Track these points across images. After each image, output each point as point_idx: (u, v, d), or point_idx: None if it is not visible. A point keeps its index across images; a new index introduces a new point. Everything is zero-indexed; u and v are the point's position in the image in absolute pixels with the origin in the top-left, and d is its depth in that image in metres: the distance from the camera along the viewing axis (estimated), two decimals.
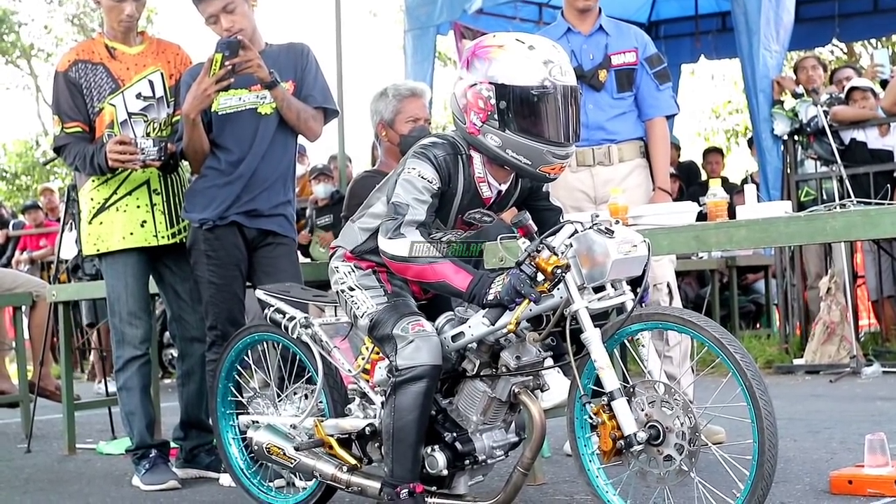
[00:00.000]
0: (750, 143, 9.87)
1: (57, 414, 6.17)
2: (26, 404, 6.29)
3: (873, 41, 15.89)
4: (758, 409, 2.78)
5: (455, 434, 3.20)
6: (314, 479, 3.59)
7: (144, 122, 4.47)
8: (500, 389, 3.17)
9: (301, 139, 4.51)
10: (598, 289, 3.02)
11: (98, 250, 4.53)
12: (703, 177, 10.59)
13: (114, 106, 4.44)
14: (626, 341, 3.13)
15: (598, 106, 4.61)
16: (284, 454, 3.57)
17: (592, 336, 2.96)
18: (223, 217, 4.30)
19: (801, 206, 7.22)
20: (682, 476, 2.89)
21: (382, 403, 3.29)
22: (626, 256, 2.98)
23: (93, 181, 4.51)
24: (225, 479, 4.38)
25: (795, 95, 8.19)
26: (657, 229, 3.61)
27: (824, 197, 7.75)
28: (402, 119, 4.65)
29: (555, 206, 3.51)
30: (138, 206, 4.49)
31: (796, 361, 7.89)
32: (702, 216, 4.46)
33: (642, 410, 2.93)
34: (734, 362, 2.83)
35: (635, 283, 3.05)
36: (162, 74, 4.52)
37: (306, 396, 3.63)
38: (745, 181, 10.20)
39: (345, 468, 3.43)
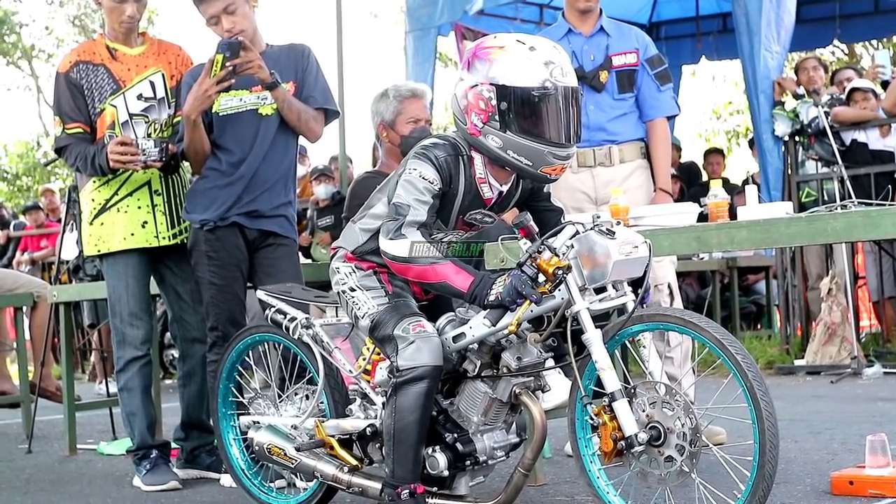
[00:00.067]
0: (751, 143, 9.87)
1: (58, 414, 6.17)
2: (27, 405, 6.29)
3: (874, 42, 15.88)
4: (759, 410, 2.78)
5: (456, 435, 3.20)
6: (315, 480, 3.59)
7: (145, 122, 4.47)
8: (501, 390, 3.17)
9: (302, 140, 4.51)
10: (600, 290, 3.02)
11: (99, 251, 4.53)
12: (704, 178, 10.59)
13: (115, 107, 4.44)
14: (627, 342, 3.13)
15: (599, 107, 4.61)
16: (285, 455, 3.57)
17: (593, 337, 2.96)
18: (224, 218, 4.30)
19: (802, 207, 7.22)
20: (683, 477, 2.89)
21: (383, 404, 3.29)
22: (627, 257, 2.98)
23: (94, 182, 4.52)
24: (226, 480, 4.38)
25: (796, 96, 8.19)
26: (658, 230, 3.61)
27: (825, 198, 7.75)
28: (403, 120, 4.66)
29: (556, 206, 3.51)
30: (139, 207, 4.49)
31: (797, 362, 7.89)
32: (703, 217, 4.46)
33: (643, 411, 2.94)
34: (735, 363, 2.83)
35: (636, 284, 3.05)
36: (163, 75, 4.52)
37: (307, 397, 3.63)
38: (745, 182, 10.19)
39: (346, 469, 3.43)
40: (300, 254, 4.94)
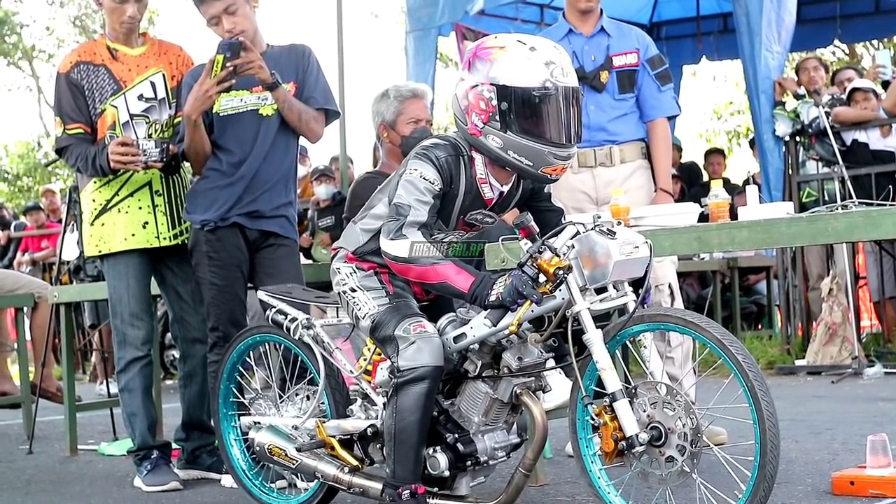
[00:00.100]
0: (751, 144, 9.87)
1: (58, 415, 6.17)
2: (28, 405, 6.30)
3: (875, 42, 15.87)
4: (759, 410, 2.78)
5: (457, 435, 3.20)
6: (316, 481, 3.59)
7: (146, 123, 4.47)
8: (502, 390, 3.17)
9: (302, 140, 4.51)
10: (600, 290, 3.02)
11: (100, 251, 4.53)
12: (705, 178, 10.59)
13: (115, 107, 4.44)
14: (627, 342, 3.13)
15: (600, 107, 4.61)
16: (286, 455, 3.57)
17: (594, 337, 2.96)
18: (225, 218, 4.30)
19: (802, 207, 7.22)
20: (683, 477, 2.89)
21: (384, 404, 3.29)
22: (627, 257, 2.98)
23: (94, 182, 4.52)
24: (227, 480, 4.38)
25: (797, 96, 8.19)
26: (659, 230, 3.61)
27: (826, 198, 7.75)
28: (404, 120, 4.66)
29: (556, 207, 3.51)
30: (140, 208, 4.49)
31: (798, 362, 7.89)
32: (703, 217, 4.46)
33: (644, 411, 2.94)
34: (736, 363, 2.83)
35: (637, 284, 3.05)
36: (164, 76, 4.52)
37: (308, 397, 3.63)
38: (746, 182, 10.19)
39: (346, 469, 3.43)
40: (301, 254, 4.94)
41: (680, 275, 6.54)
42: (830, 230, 3.29)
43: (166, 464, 4.56)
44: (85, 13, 27.17)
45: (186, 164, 4.58)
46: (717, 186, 4.21)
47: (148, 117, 4.48)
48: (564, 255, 2.98)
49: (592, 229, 3.01)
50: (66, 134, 4.47)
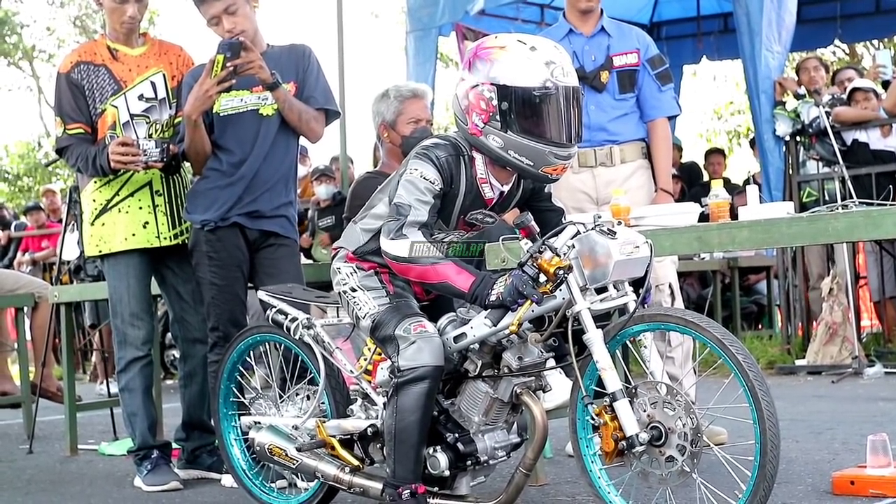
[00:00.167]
0: (752, 143, 9.87)
1: (59, 415, 6.17)
2: (28, 405, 6.30)
3: (875, 42, 15.87)
4: (760, 410, 2.78)
5: (457, 435, 3.20)
6: (316, 480, 3.59)
7: (146, 123, 4.47)
8: (503, 390, 3.17)
9: (303, 140, 4.51)
10: (601, 290, 3.02)
11: (100, 251, 4.53)
12: (705, 178, 10.59)
13: (116, 107, 4.44)
14: (628, 342, 3.13)
15: (600, 107, 4.61)
16: (286, 455, 3.57)
17: (594, 337, 2.96)
18: (225, 218, 4.30)
19: (803, 207, 7.22)
20: (684, 477, 2.89)
21: (384, 404, 3.29)
22: (628, 257, 2.98)
23: (95, 182, 4.52)
24: (227, 480, 4.38)
25: (797, 96, 8.19)
26: (659, 230, 3.61)
27: (826, 198, 7.75)
28: (404, 120, 4.66)
29: (557, 207, 3.51)
30: (140, 208, 4.49)
31: (798, 362, 7.89)
32: (704, 217, 4.46)
33: (644, 411, 2.94)
34: (736, 363, 2.83)
35: (637, 284, 3.05)
36: (164, 76, 4.52)
37: (308, 397, 3.63)
38: (746, 182, 10.19)
39: (347, 469, 3.44)
40: (301, 254, 4.94)
41: (680, 274, 6.54)
42: (831, 230, 3.29)
43: (166, 464, 4.56)
44: (85, 13, 27.17)
45: (187, 164, 4.58)
46: (717, 186, 4.21)
47: (148, 117, 4.48)
48: (565, 254, 2.98)
49: (593, 229, 3.01)
50: (67, 134, 4.47)
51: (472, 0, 8.95)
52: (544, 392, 3.25)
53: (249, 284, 4.43)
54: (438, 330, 3.20)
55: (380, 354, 3.39)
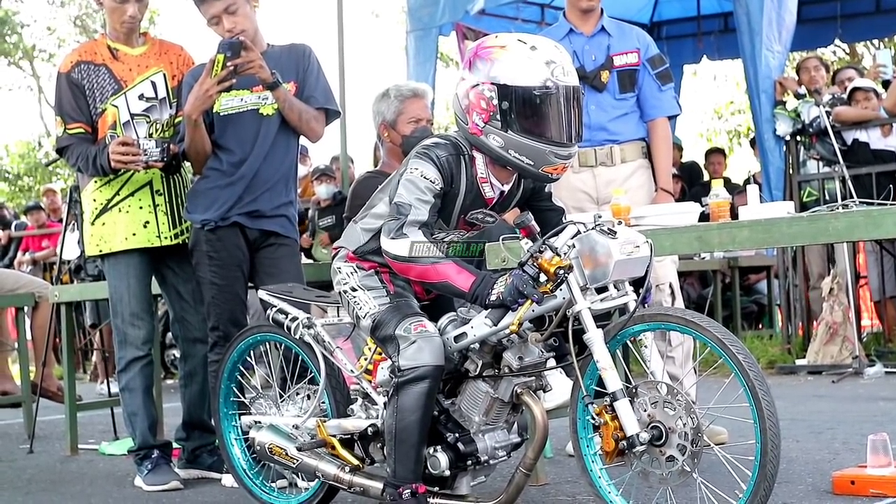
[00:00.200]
0: (752, 143, 9.87)
1: (59, 414, 6.18)
2: (29, 405, 6.30)
3: (875, 42, 15.86)
4: (760, 410, 2.78)
5: (457, 434, 3.20)
6: (316, 480, 3.59)
7: (147, 123, 4.47)
8: (503, 390, 3.17)
9: (303, 140, 4.51)
10: (601, 289, 3.02)
11: (101, 251, 4.53)
12: (706, 177, 10.59)
13: (116, 107, 4.44)
14: (628, 342, 3.13)
15: (601, 107, 4.61)
16: (287, 454, 3.57)
17: (595, 337, 2.96)
18: (225, 218, 4.30)
19: (803, 207, 7.22)
20: (684, 476, 2.89)
21: (385, 404, 3.29)
22: (628, 257, 2.98)
23: (95, 182, 4.52)
24: (227, 480, 4.38)
25: (798, 96, 8.19)
26: (659, 230, 3.61)
27: (827, 197, 7.75)
28: (405, 120, 4.66)
29: (557, 206, 3.51)
30: (141, 207, 4.49)
31: (798, 362, 7.89)
32: (704, 217, 4.46)
33: (645, 411, 2.94)
34: (736, 363, 2.83)
35: (638, 283, 3.05)
36: (164, 75, 4.52)
37: (309, 397, 3.63)
38: (747, 182, 10.19)
39: (347, 469, 3.44)
40: (302, 254, 4.94)
41: (680, 274, 6.55)
42: (831, 230, 3.29)
43: (167, 463, 4.56)
44: (86, 13, 27.18)
45: (187, 164, 4.58)
46: (717, 186, 4.21)
47: (148, 117, 4.48)
48: (565, 254, 2.98)
49: (593, 229, 3.01)
50: (67, 133, 4.47)
51: (473, 0, 8.95)
52: (545, 392, 3.25)
53: (249, 284, 4.43)
54: (439, 329, 3.20)
55: (380, 354, 3.39)
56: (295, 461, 3.55)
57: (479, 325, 3.12)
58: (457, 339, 3.17)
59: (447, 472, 3.20)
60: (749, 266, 10.03)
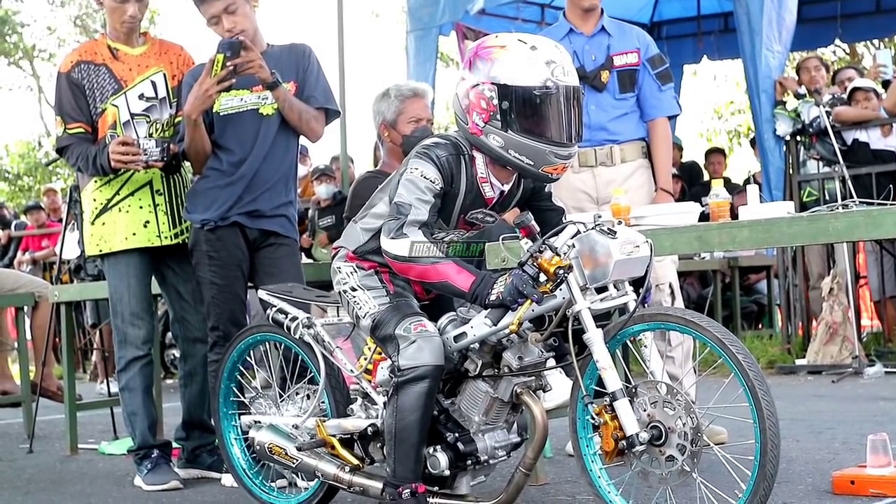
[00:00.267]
0: (752, 143, 9.87)
1: (59, 414, 6.17)
2: (28, 404, 6.30)
3: (876, 42, 15.86)
4: (760, 410, 2.78)
5: (457, 434, 3.20)
6: (316, 480, 3.59)
7: (147, 122, 4.47)
8: (503, 390, 3.17)
9: (303, 140, 4.51)
10: (601, 289, 3.02)
11: (101, 251, 4.53)
12: (706, 177, 10.59)
13: (116, 107, 4.44)
14: (628, 342, 3.13)
15: (601, 107, 4.61)
16: (286, 454, 3.57)
17: (595, 336, 2.96)
18: (225, 218, 4.30)
19: (803, 207, 7.22)
20: (684, 476, 2.89)
21: (385, 403, 3.29)
22: (628, 257, 2.98)
23: (95, 182, 4.52)
24: (227, 480, 4.38)
25: (798, 96, 8.19)
26: (659, 230, 3.61)
27: (827, 197, 7.75)
28: (405, 119, 4.66)
29: (557, 206, 3.51)
30: (141, 207, 4.49)
31: (798, 362, 7.89)
32: (704, 217, 4.46)
33: (644, 411, 2.94)
34: (736, 363, 2.83)
35: (637, 283, 3.05)
36: (164, 75, 4.52)
37: (308, 397, 3.63)
38: (747, 182, 10.19)
39: (347, 468, 3.43)
40: (301, 253, 4.94)
41: (680, 274, 6.55)
42: (831, 229, 3.29)
43: (167, 463, 4.56)
44: (86, 13, 27.19)
45: (187, 164, 4.58)
46: (717, 186, 4.21)
47: (149, 117, 4.48)
48: (565, 254, 2.98)
49: (593, 229, 3.01)
50: (67, 133, 4.47)
51: (473, 0, 8.95)
52: (544, 392, 3.25)
53: (249, 284, 4.43)
54: (439, 329, 3.20)
55: (380, 354, 3.39)
56: (295, 461, 3.55)
57: (478, 325, 3.12)
58: (457, 338, 3.17)
59: (447, 472, 3.20)
60: (749, 266, 10.03)
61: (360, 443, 3.42)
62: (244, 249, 4.35)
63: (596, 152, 4.62)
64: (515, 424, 3.31)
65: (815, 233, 3.35)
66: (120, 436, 5.88)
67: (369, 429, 3.36)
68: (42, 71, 27.66)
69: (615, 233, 2.99)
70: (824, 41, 11.99)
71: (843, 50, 17.86)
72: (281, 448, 3.59)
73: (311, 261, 8.17)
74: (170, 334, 8.53)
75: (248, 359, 3.85)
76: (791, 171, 8.21)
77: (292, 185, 4.47)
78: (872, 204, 3.67)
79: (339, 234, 3.64)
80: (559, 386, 3.46)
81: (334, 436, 3.45)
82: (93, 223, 4.53)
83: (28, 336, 6.95)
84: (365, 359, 3.47)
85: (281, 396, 3.72)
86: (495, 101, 3.11)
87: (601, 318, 3.04)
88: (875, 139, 7.90)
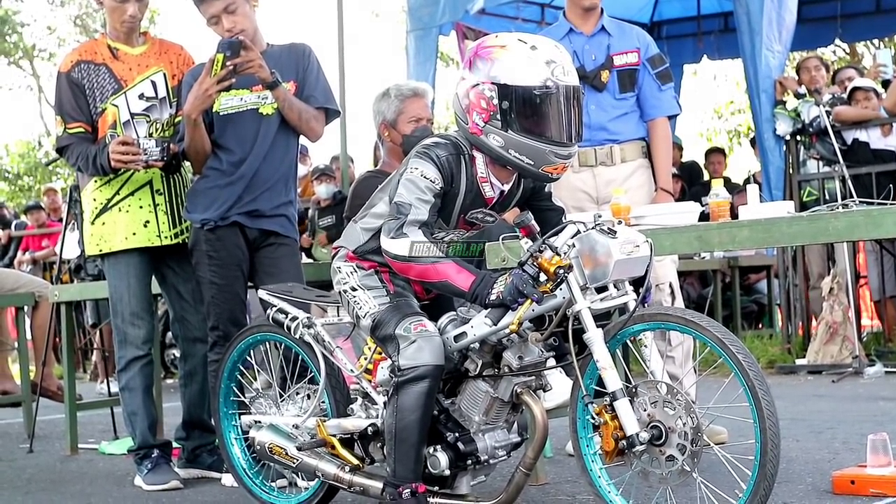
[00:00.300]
0: (752, 143, 9.87)
1: (59, 414, 6.17)
2: (28, 404, 6.30)
3: (876, 41, 15.86)
4: (760, 410, 2.78)
5: (457, 434, 3.20)
6: (316, 479, 3.59)
7: (147, 122, 4.47)
8: (503, 389, 3.17)
9: (303, 139, 4.51)
10: (601, 289, 3.02)
11: (101, 250, 4.53)
12: (706, 177, 10.59)
13: (116, 106, 4.44)
14: (628, 341, 3.13)
15: (601, 106, 4.61)
16: (287, 454, 3.57)
17: (595, 336, 2.96)
18: (225, 217, 4.30)
19: (803, 207, 7.21)
20: (684, 476, 2.89)
21: (385, 403, 3.29)
22: (628, 257, 2.98)
23: (95, 181, 4.52)
24: (227, 479, 4.38)
25: (798, 96, 8.18)
26: (659, 229, 3.61)
27: (827, 197, 7.75)
28: (405, 119, 4.66)
29: (557, 206, 3.51)
30: (141, 207, 4.49)
31: (798, 361, 7.89)
32: (704, 216, 4.45)
33: (644, 410, 2.94)
34: (736, 362, 2.83)
35: (638, 283, 3.05)
36: (164, 75, 4.52)
37: (309, 396, 3.63)
38: (747, 181, 10.19)
39: (347, 468, 3.43)
40: (301, 253, 4.94)
41: (680, 274, 6.55)
42: (831, 229, 3.29)
43: (167, 463, 4.56)
44: (86, 12, 27.19)
45: (187, 164, 4.58)
46: (717, 185, 4.21)
47: (149, 116, 4.48)
48: (565, 254, 2.98)
49: (593, 228, 3.01)
50: (67, 133, 4.47)
51: (473, 0, 8.94)
52: (545, 391, 3.25)
53: (249, 284, 4.43)
54: (439, 329, 3.20)
55: (380, 353, 3.39)
56: (295, 461, 3.55)
57: (478, 325, 3.12)
58: (457, 338, 3.17)
59: (447, 472, 3.20)
60: (749, 266, 10.03)
61: (361, 443, 3.42)
62: (244, 249, 4.35)
63: (596, 152, 4.62)
64: (515, 424, 3.31)
65: (815, 232, 3.35)
66: (120, 436, 5.88)
67: (369, 429, 3.36)
68: (42, 71, 27.70)
69: (615, 232, 2.99)
70: (824, 41, 11.99)
71: (843, 50, 17.85)
72: (281, 448, 3.59)
73: (311, 261, 8.17)
74: (170, 334, 8.53)
75: (249, 359, 3.85)
76: (791, 171, 8.21)
77: (292, 185, 4.47)
78: (872, 204, 3.67)
79: (339, 234, 3.64)
80: (559, 386, 3.46)
81: (334, 436, 3.45)
82: (93, 223, 4.53)
83: (28, 336, 6.95)
84: (365, 359, 3.47)
85: (281, 396, 3.72)
86: (495, 101, 3.11)
87: (601, 317, 3.04)
88: (875, 139, 7.90)
